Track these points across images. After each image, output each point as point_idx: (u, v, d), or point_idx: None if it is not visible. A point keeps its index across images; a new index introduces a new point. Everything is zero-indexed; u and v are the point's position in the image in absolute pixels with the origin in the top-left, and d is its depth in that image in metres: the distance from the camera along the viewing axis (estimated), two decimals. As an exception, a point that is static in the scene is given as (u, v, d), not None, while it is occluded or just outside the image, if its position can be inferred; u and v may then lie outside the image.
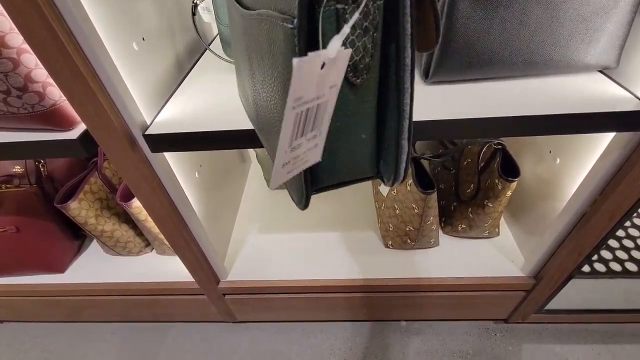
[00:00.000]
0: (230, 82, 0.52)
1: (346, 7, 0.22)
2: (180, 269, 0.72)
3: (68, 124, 0.44)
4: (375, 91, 0.29)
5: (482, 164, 0.68)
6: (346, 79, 0.25)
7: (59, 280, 0.78)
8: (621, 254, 0.78)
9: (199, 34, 0.54)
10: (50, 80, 0.41)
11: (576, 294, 0.74)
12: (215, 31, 0.70)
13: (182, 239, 0.59)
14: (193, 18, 0.52)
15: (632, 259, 0.77)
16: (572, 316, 0.79)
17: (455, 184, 0.76)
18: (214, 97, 0.49)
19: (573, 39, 0.40)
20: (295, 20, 0.22)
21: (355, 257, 0.76)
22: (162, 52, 0.50)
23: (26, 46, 0.38)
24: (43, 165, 0.72)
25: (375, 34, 0.25)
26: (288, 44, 0.23)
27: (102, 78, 0.39)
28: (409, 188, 0.65)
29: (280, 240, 0.81)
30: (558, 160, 0.59)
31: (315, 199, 0.89)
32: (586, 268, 0.75)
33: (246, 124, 0.42)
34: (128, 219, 0.76)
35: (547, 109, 0.40)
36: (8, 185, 0.70)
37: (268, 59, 0.27)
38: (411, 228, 0.70)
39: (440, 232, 0.79)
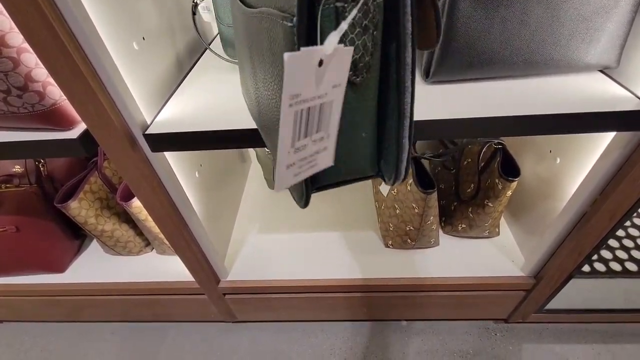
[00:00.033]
0: (231, 82, 0.52)
1: (345, 5, 0.22)
2: (181, 268, 0.72)
3: (68, 124, 0.44)
4: (376, 90, 0.28)
5: (482, 164, 0.68)
6: None
7: (59, 280, 0.78)
8: (621, 254, 0.78)
9: (199, 34, 0.54)
10: (51, 80, 0.41)
11: (576, 293, 0.74)
12: (215, 31, 0.70)
13: (183, 239, 0.59)
14: (193, 17, 0.52)
15: (632, 259, 0.77)
16: (572, 316, 0.79)
17: (455, 184, 0.76)
18: (214, 96, 0.49)
19: (573, 39, 0.40)
20: (295, 19, 0.22)
21: (355, 257, 0.76)
22: (162, 52, 0.50)
23: (26, 45, 0.38)
24: (43, 165, 0.72)
25: (375, 33, 0.25)
26: (288, 42, 0.23)
27: (102, 77, 0.39)
28: (409, 188, 0.65)
29: (281, 240, 0.81)
30: (558, 160, 0.59)
31: (315, 198, 0.89)
32: (586, 268, 0.75)
33: (246, 124, 0.42)
34: (128, 219, 0.76)
35: (548, 108, 0.40)
36: (8, 185, 0.70)
37: (269, 57, 0.27)
38: (411, 228, 0.70)
39: (441, 231, 0.79)
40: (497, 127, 0.41)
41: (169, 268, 0.77)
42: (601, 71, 0.45)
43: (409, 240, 0.73)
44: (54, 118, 0.43)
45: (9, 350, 0.88)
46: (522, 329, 0.82)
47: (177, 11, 0.55)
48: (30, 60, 0.39)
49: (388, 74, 0.27)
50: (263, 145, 0.44)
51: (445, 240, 0.77)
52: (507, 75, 0.45)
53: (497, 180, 0.63)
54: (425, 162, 0.70)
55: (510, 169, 0.62)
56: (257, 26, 0.28)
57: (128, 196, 0.65)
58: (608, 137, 0.47)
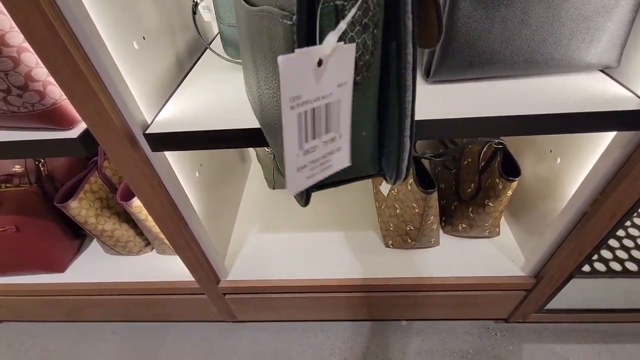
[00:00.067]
0: (231, 81, 0.52)
1: (345, 3, 0.22)
2: (181, 268, 0.72)
3: (68, 123, 0.44)
4: (376, 89, 0.28)
5: (482, 164, 0.68)
6: None
7: (58, 280, 0.78)
8: (621, 254, 0.78)
9: (199, 33, 0.54)
10: (51, 79, 0.41)
11: (576, 293, 0.74)
12: (215, 30, 0.70)
13: (183, 239, 0.59)
14: (193, 17, 0.52)
15: (632, 259, 0.77)
16: (573, 316, 0.79)
17: (455, 184, 0.76)
18: (214, 96, 0.49)
19: (574, 38, 0.40)
20: (295, 17, 0.22)
21: (355, 257, 0.75)
22: (162, 51, 0.50)
23: (26, 45, 0.38)
24: (43, 165, 0.72)
25: (375, 31, 0.25)
26: (287, 41, 0.23)
27: (102, 77, 0.38)
28: (409, 187, 0.65)
29: (281, 240, 0.81)
30: (559, 160, 0.59)
31: (315, 198, 0.89)
32: (586, 268, 0.75)
33: (247, 124, 0.42)
34: (128, 219, 0.76)
35: (548, 108, 0.40)
36: (8, 185, 0.70)
37: (269, 55, 0.27)
38: (412, 227, 0.70)
39: (441, 231, 0.79)
40: (498, 126, 0.41)
41: (169, 268, 0.77)
42: (602, 71, 0.45)
43: (409, 240, 0.73)
44: (54, 117, 0.43)
45: (9, 350, 0.87)
46: (523, 329, 0.82)
47: (178, 11, 0.55)
48: (31, 59, 0.39)
49: (389, 72, 0.27)
50: (263, 145, 0.44)
51: (446, 240, 0.77)
52: (508, 75, 0.45)
53: (497, 180, 0.63)
54: (426, 162, 0.70)
55: (511, 169, 0.62)
56: (258, 24, 0.28)
57: (128, 196, 0.65)
58: (609, 136, 0.47)
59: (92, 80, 0.37)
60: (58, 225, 0.76)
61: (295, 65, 0.21)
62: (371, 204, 0.88)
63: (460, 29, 0.40)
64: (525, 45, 0.41)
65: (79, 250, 0.84)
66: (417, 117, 0.40)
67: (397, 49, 0.25)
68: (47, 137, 0.44)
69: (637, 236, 0.82)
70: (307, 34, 0.22)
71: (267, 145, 0.44)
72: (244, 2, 0.31)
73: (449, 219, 0.77)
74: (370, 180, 0.89)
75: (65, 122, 0.44)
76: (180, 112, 0.46)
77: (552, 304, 0.74)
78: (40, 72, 0.40)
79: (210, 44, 0.56)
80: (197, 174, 0.61)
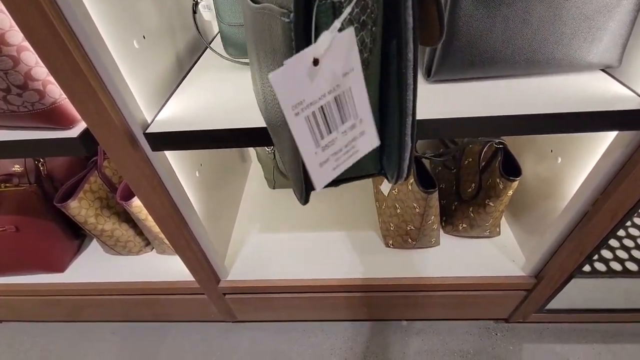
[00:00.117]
0: (231, 81, 0.52)
1: (343, 1, 0.22)
2: (181, 268, 0.72)
3: (68, 123, 0.44)
4: (376, 87, 0.28)
5: (483, 163, 0.68)
6: None
7: (58, 280, 0.78)
8: (621, 254, 0.78)
9: (199, 32, 0.53)
10: (51, 78, 0.41)
11: (577, 293, 0.74)
12: (216, 29, 0.70)
13: (183, 238, 0.59)
14: (194, 16, 0.52)
15: (632, 259, 0.77)
16: (573, 316, 0.78)
17: (456, 183, 0.76)
18: (214, 95, 0.49)
19: (576, 38, 0.40)
20: (292, 15, 0.21)
21: (355, 257, 0.75)
22: (162, 50, 0.50)
23: (26, 44, 0.38)
24: (42, 164, 0.72)
25: (374, 28, 0.25)
26: (286, 39, 0.23)
27: (102, 76, 0.38)
28: (410, 187, 0.65)
29: (281, 240, 0.81)
30: (559, 160, 0.59)
31: (316, 198, 0.89)
32: (587, 267, 0.75)
33: (247, 123, 0.42)
34: (128, 218, 0.76)
35: (550, 107, 0.40)
36: (7, 185, 0.70)
37: (270, 53, 0.27)
38: (412, 227, 0.69)
39: (441, 231, 0.79)
40: (499, 126, 0.41)
41: (169, 268, 0.77)
42: (603, 70, 0.45)
43: (409, 240, 0.73)
44: (54, 117, 0.43)
45: (8, 350, 0.87)
46: (523, 329, 0.82)
47: (178, 10, 0.55)
48: (30, 58, 0.39)
49: (389, 70, 0.27)
50: (264, 144, 0.44)
51: (446, 240, 0.77)
52: (509, 75, 0.45)
53: (498, 180, 0.63)
54: (426, 162, 0.70)
55: (512, 169, 0.62)
56: (261, 22, 0.28)
57: (128, 195, 0.65)
58: (610, 136, 0.47)
59: (92, 79, 0.37)
60: (58, 225, 0.76)
61: (288, 75, 0.21)
62: (371, 203, 0.88)
63: (462, 28, 0.39)
64: (527, 45, 0.40)
65: (78, 250, 0.84)
66: (418, 117, 0.40)
67: (398, 47, 0.25)
68: (46, 136, 0.44)
69: (638, 236, 0.82)
70: (304, 31, 0.22)
71: (268, 145, 0.44)
72: (249, 0, 0.31)
73: (450, 219, 0.77)
74: (370, 180, 0.89)
75: (65, 122, 0.44)
76: (181, 111, 0.46)
77: (553, 304, 0.74)
78: (40, 71, 0.40)
79: (210, 43, 0.55)
80: (197, 174, 0.61)
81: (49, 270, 0.79)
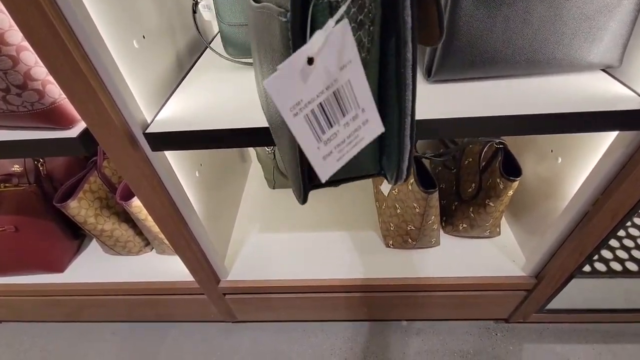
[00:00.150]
0: (231, 81, 0.52)
1: (340, 0, 0.22)
2: (180, 268, 0.72)
3: (68, 122, 0.44)
4: (375, 87, 0.28)
5: (483, 163, 0.68)
6: None
7: (58, 280, 0.78)
8: (621, 254, 0.78)
9: (199, 32, 0.53)
10: (50, 78, 0.41)
11: (577, 293, 0.74)
12: (215, 29, 0.70)
13: (183, 239, 0.59)
14: (194, 16, 0.52)
15: (632, 259, 0.77)
16: (573, 316, 0.78)
17: (456, 183, 0.76)
18: (214, 95, 0.49)
19: (576, 38, 0.40)
20: (289, 14, 0.21)
21: (355, 257, 0.75)
22: (162, 50, 0.50)
23: (26, 43, 0.38)
24: (42, 164, 0.72)
25: (372, 28, 0.24)
26: (283, 38, 0.23)
27: (102, 76, 0.38)
28: (410, 187, 0.65)
29: (281, 240, 0.80)
30: (560, 160, 0.59)
31: (315, 198, 0.89)
32: (587, 268, 0.75)
33: (247, 123, 0.42)
34: (128, 218, 0.76)
35: (550, 107, 0.40)
36: (7, 185, 0.69)
37: (270, 53, 0.27)
38: (412, 227, 0.69)
39: (441, 231, 0.79)
40: (499, 126, 0.41)
41: (169, 268, 0.77)
42: (604, 70, 0.45)
43: (409, 240, 0.72)
44: (53, 117, 0.43)
45: (8, 350, 0.87)
46: (523, 329, 0.82)
47: (178, 10, 0.55)
48: (30, 58, 0.39)
49: (388, 70, 0.27)
50: (264, 144, 0.44)
51: (446, 240, 0.77)
52: (509, 75, 0.45)
53: (498, 180, 0.63)
54: (426, 162, 0.70)
55: (512, 169, 0.62)
56: (261, 21, 0.28)
57: (128, 195, 0.65)
58: (610, 136, 0.47)
59: (92, 79, 0.37)
60: (57, 225, 0.76)
61: (282, 80, 0.21)
62: (371, 203, 0.88)
63: (462, 28, 0.39)
64: (527, 45, 0.40)
65: (78, 250, 0.84)
66: (418, 117, 0.40)
67: (396, 47, 0.25)
68: (46, 136, 0.44)
69: (638, 236, 0.82)
70: (301, 31, 0.22)
71: (268, 145, 0.44)
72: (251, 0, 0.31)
73: (450, 219, 0.77)
74: (370, 180, 0.88)
75: (64, 122, 0.44)
76: (181, 111, 0.46)
77: (553, 304, 0.74)
78: (40, 71, 0.40)
79: (210, 43, 0.55)
80: (197, 174, 0.61)
81: (49, 271, 0.78)
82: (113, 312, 0.84)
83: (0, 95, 0.40)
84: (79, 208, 0.67)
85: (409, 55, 0.25)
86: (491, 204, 0.66)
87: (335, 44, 0.21)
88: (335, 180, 0.34)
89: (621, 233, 0.82)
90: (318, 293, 0.74)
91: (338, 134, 0.25)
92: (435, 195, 0.63)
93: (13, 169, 0.70)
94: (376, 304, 0.78)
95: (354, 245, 0.78)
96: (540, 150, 0.66)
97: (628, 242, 0.80)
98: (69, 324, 0.91)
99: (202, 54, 0.61)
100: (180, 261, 0.65)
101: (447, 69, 0.43)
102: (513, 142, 0.70)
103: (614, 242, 0.80)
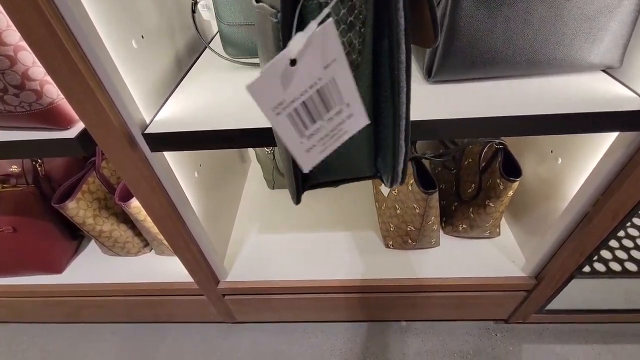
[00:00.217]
0: (231, 81, 0.52)
1: (329, 0, 0.22)
2: (180, 269, 0.72)
3: (66, 123, 0.44)
4: (368, 89, 0.28)
5: (483, 164, 0.68)
6: None
7: (57, 281, 0.77)
8: (621, 254, 0.78)
9: (198, 32, 0.53)
10: (48, 78, 0.41)
11: (577, 294, 0.74)
12: (215, 29, 0.70)
13: (182, 239, 0.59)
14: (193, 16, 0.52)
15: (631, 259, 0.77)
16: (573, 316, 0.78)
17: (456, 184, 0.76)
18: (214, 95, 0.48)
19: (577, 38, 0.40)
20: (279, 15, 0.21)
21: (355, 257, 0.75)
22: (161, 50, 0.50)
23: (23, 43, 0.37)
24: (40, 165, 0.72)
25: (362, 29, 0.24)
26: (275, 39, 0.23)
27: (101, 76, 0.38)
28: (410, 188, 0.65)
29: (280, 240, 0.80)
30: (560, 160, 0.59)
31: (315, 198, 0.89)
32: (586, 268, 0.75)
33: (246, 124, 0.42)
34: (126, 219, 0.76)
35: (551, 108, 0.40)
36: (5, 185, 0.69)
37: (266, 52, 0.27)
38: (412, 228, 0.69)
39: (441, 232, 0.79)
40: (500, 127, 0.41)
41: (168, 269, 0.77)
42: (604, 71, 0.45)
43: (409, 241, 0.72)
44: (51, 117, 0.43)
45: (7, 351, 0.87)
46: (523, 330, 0.82)
47: (177, 9, 0.55)
48: (28, 58, 0.38)
49: (382, 72, 0.27)
50: (263, 145, 0.43)
51: (446, 240, 0.77)
52: (510, 75, 0.45)
53: (498, 181, 0.63)
54: (426, 162, 0.69)
55: (512, 169, 0.61)
56: (258, 21, 0.28)
57: (127, 196, 0.65)
58: (610, 137, 0.47)
59: (90, 79, 0.37)
60: (56, 226, 0.76)
61: (264, 84, 0.21)
62: (371, 204, 0.87)
63: (463, 29, 0.39)
64: (528, 45, 0.40)
65: (76, 251, 0.84)
66: (418, 118, 0.40)
67: (390, 49, 0.25)
68: (44, 137, 0.43)
69: (637, 236, 0.82)
70: (290, 31, 0.22)
71: (267, 145, 0.44)
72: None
73: (450, 220, 0.77)
74: (370, 180, 0.88)
75: (62, 122, 0.44)
76: (180, 111, 0.46)
77: (553, 305, 0.74)
78: (37, 71, 0.39)
79: (209, 43, 0.55)
80: (196, 174, 0.61)
81: (47, 271, 0.78)
82: (112, 312, 0.84)
83: (-2, 95, 0.40)
84: (78, 209, 0.66)
85: (403, 58, 0.25)
86: (491, 204, 0.66)
87: (318, 44, 0.21)
88: (333, 181, 0.34)
89: (620, 233, 0.82)
90: (318, 294, 0.74)
91: (321, 129, 0.25)
92: (435, 195, 0.63)
93: (11, 169, 0.70)
94: (376, 305, 0.77)
95: (353, 245, 0.78)
96: (541, 150, 0.66)
97: (627, 243, 0.80)
98: (69, 325, 0.90)
99: (201, 54, 0.61)
100: (179, 262, 0.65)
101: (448, 69, 0.43)
102: (513, 143, 0.70)
103: (613, 243, 0.80)
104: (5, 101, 0.41)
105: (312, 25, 0.20)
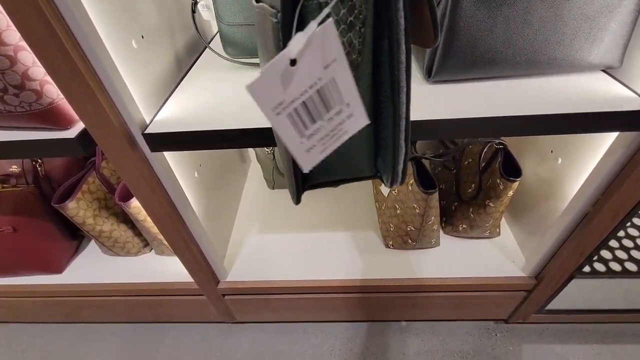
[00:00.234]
0: (231, 81, 0.52)
1: (329, 0, 0.22)
2: (179, 269, 0.72)
3: (66, 123, 0.44)
4: (368, 88, 0.28)
5: (483, 164, 0.68)
6: None
7: (57, 281, 0.77)
8: (621, 254, 0.78)
9: (198, 32, 0.53)
10: (48, 78, 0.41)
11: (576, 294, 0.74)
12: (215, 29, 0.70)
13: (182, 239, 0.59)
14: (193, 16, 0.52)
15: (631, 259, 0.77)
16: (573, 316, 0.78)
17: (456, 184, 0.76)
18: (214, 95, 0.48)
19: (577, 38, 0.40)
20: (279, 15, 0.21)
21: (355, 257, 0.75)
22: (161, 50, 0.50)
23: (23, 43, 0.37)
24: (40, 165, 0.72)
25: (362, 29, 0.24)
26: (275, 39, 0.23)
27: (101, 76, 0.38)
28: (410, 188, 0.65)
29: (280, 240, 0.80)
30: (560, 160, 0.59)
31: (315, 198, 0.89)
32: (586, 268, 0.75)
33: (246, 124, 0.42)
34: (126, 219, 0.76)
35: (551, 108, 0.40)
36: (5, 185, 0.69)
37: (266, 52, 0.27)
38: (412, 228, 0.69)
39: (441, 232, 0.79)
40: (500, 127, 0.41)
41: (168, 269, 0.77)
42: (604, 71, 0.45)
43: (409, 241, 0.72)
44: (51, 117, 0.43)
45: (7, 351, 0.87)
46: (523, 330, 0.82)
47: (177, 9, 0.55)
48: (28, 58, 0.38)
49: (382, 72, 0.27)
50: (263, 145, 0.43)
51: (446, 240, 0.77)
52: (510, 75, 0.45)
53: (498, 181, 0.63)
54: (426, 162, 0.69)
55: (512, 169, 0.61)
56: (258, 21, 0.28)
57: (127, 196, 0.65)
58: (610, 137, 0.47)
59: (90, 79, 0.37)
60: (56, 226, 0.76)
61: (264, 84, 0.21)
62: (371, 204, 0.87)
63: (463, 29, 0.39)
64: (528, 45, 0.40)
65: (76, 251, 0.84)
66: (419, 117, 0.40)
67: (390, 49, 0.25)
68: (44, 137, 0.43)
69: (637, 236, 0.82)
70: (291, 31, 0.22)
71: (267, 146, 0.44)
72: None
73: (450, 220, 0.77)
74: (370, 180, 0.88)
75: (62, 122, 0.44)
76: (180, 111, 0.46)
77: (552, 305, 0.74)
78: (37, 71, 0.39)
79: (209, 43, 0.55)
80: (196, 174, 0.61)
81: (47, 272, 0.78)
82: (112, 312, 0.84)
83: (-2, 95, 0.40)
84: (78, 209, 0.66)
85: (403, 58, 0.25)
86: (491, 204, 0.66)
87: (318, 44, 0.21)
88: (333, 181, 0.34)
89: (620, 233, 0.82)
90: (318, 294, 0.74)
91: (321, 129, 0.25)
92: (435, 195, 0.63)
93: (11, 169, 0.70)
94: (376, 305, 0.77)
95: (353, 245, 0.78)
96: (541, 150, 0.66)
97: (627, 243, 0.80)
98: (69, 325, 0.90)
99: (201, 54, 0.61)
100: (179, 262, 0.65)
101: (448, 69, 0.43)
102: (513, 143, 0.70)
103: (613, 243, 0.80)
104: (5, 101, 0.41)
105: (312, 25, 0.20)
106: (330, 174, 0.34)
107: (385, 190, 0.75)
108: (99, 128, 0.41)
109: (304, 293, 0.73)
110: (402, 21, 0.23)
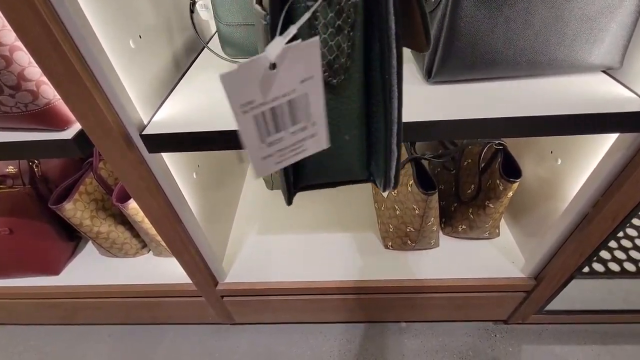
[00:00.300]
0: (229, 81, 0.51)
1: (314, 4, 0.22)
2: (178, 270, 0.71)
3: (63, 124, 0.43)
4: (359, 92, 0.28)
5: (483, 165, 0.67)
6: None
7: (54, 283, 0.77)
8: (620, 254, 0.79)
9: (197, 32, 0.53)
10: (44, 79, 0.40)
11: (576, 294, 0.74)
12: (213, 29, 0.69)
13: (180, 241, 0.58)
14: (191, 15, 0.51)
15: (630, 259, 0.77)
16: (572, 317, 0.78)
17: (455, 185, 0.75)
18: (212, 96, 0.48)
19: (577, 39, 0.40)
20: (268, 17, 0.21)
21: (354, 258, 0.75)
22: (159, 50, 0.49)
23: (19, 43, 0.37)
24: (37, 166, 0.71)
25: (351, 33, 0.24)
26: (265, 40, 0.23)
27: (97, 76, 0.38)
28: (409, 189, 0.65)
29: (279, 241, 0.80)
30: (559, 161, 0.59)
31: (314, 199, 0.89)
32: (585, 268, 0.75)
33: (246, 124, 0.42)
34: (124, 220, 0.75)
35: (551, 109, 0.40)
36: (1, 186, 0.69)
37: (260, 51, 0.27)
38: (412, 229, 0.69)
39: (440, 232, 0.79)
40: (500, 128, 0.41)
41: (166, 270, 0.76)
42: (604, 72, 0.45)
43: (409, 242, 0.72)
44: (47, 118, 0.42)
45: (3, 353, 0.86)
46: (522, 330, 0.82)
47: (175, 9, 0.55)
48: (23, 58, 0.38)
49: (373, 76, 0.27)
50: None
51: (445, 241, 0.77)
52: (510, 76, 0.45)
53: (498, 181, 0.63)
54: (425, 163, 0.69)
55: (512, 170, 0.61)
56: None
57: (124, 197, 0.64)
58: (610, 138, 0.46)
59: (87, 80, 0.36)
60: (52, 227, 0.75)
61: (239, 78, 0.21)
62: (370, 205, 0.87)
63: (463, 29, 0.39)
64: (529, 46, 0.40)
65: (73, 253, 0.83)
66: (418, 118, 0.40)
67: (381, 53, 0.25)
68: (40, 137, 0.43)
69: (635, 237, 0.82)
70: (279, 34, 0.22)
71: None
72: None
73: (449, 220, 0.77)
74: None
75: (59, 123, 0.43)
76: (178, 112, 0.45)
77: (552, 305, 0.74)
78: (33, 71, 0.39)
79: (208, 43, 0.55)
80: (194, 175, 0.60)
81: (44, 273, 0.78)
82: (110, 314, 0.84)
83: (-7, 96, 0.40)
84: (75, 210, 0.66)
85: (394, 62, 0.25)
86: (491, 205, 0.66)
87: (301, 57, 0.21)
88: (327, 183, 0.34)
89: (619, 234, 0.82)
90: (317, 295, 0.73)
91: (283, 140, 0.26)
92: (435, 196, 0.63)
93: (7, 170, 0.69)
94: (375, 306, 0.77)
95: (353, 246, 0.78)
96: (540, 151, 0.65)
97: (626, 243, 0.81)
98: (66, 327, 0.90)
99: (199, 54, 0.61)
100: (177, 263, 0.65)
101: (448, 70, 0.42)
102: (513, 143, 0.70)
103: (612, 243, 0.80)
104: (0, 102, 0.40)
105: (292, 30, 0.20)
106: (323, 176, 0.34)
107: (384, 191, 0.75)
108: (95, 129, 0.41)
109: (303, 294, 0.73)
110: (392, 25, 0.23)
